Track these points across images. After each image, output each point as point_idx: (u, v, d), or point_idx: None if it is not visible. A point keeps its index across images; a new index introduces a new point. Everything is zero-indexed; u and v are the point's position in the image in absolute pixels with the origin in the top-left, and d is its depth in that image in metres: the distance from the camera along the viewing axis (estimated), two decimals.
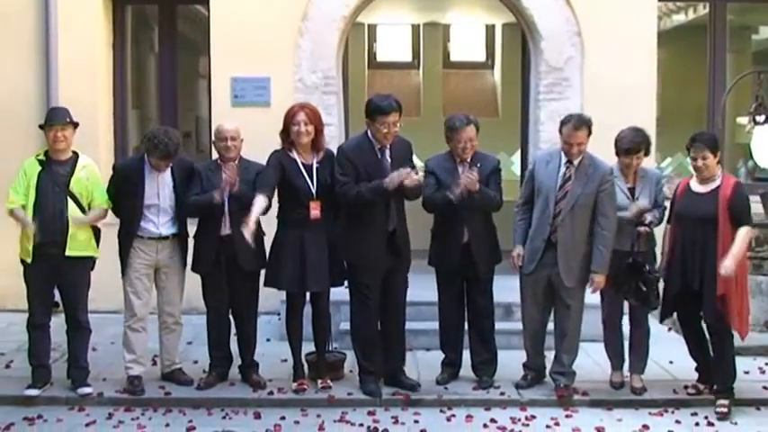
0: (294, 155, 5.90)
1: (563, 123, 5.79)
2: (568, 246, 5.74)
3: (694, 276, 5.67)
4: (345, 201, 5.81)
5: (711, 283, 5.58)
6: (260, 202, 5.67)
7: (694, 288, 5.68)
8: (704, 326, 5.85)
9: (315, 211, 5.85)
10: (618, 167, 5.92)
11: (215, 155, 6.22)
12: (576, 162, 5.74)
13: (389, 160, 5.83)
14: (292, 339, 6.14)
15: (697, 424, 5.65)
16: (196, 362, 6.55)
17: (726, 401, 5.72)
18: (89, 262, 6.04)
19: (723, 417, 5.65)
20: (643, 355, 6.09)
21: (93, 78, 8.19)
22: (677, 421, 5.66)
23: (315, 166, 5.90)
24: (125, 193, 6.01)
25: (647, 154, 5.97)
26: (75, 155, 6.01)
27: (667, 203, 5.98)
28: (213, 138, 6.17)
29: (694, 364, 6.01)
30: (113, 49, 8.49)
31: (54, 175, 5.88)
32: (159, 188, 6.00)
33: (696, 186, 5.78)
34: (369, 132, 5.88)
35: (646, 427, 5.55)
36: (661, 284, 5.88)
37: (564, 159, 5.79)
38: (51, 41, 8.02)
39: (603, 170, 5.74)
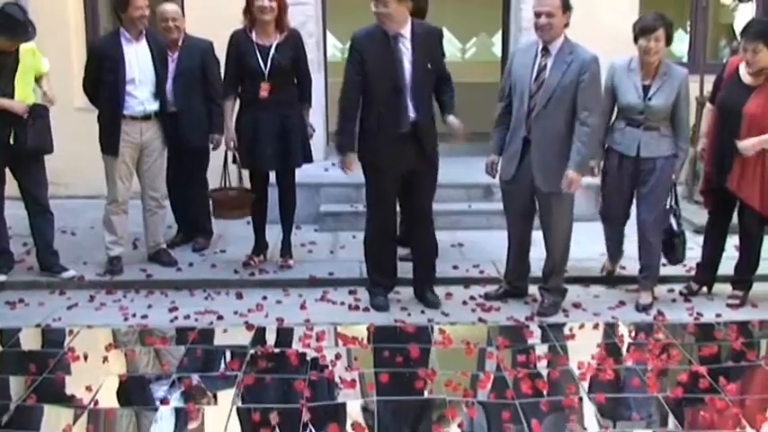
0: (252, 35, 5.80)
1: None
2: (543, 144, 5.18)
3: (727, 172, 5.34)
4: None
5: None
6: (229, 109, 5.93)
7: (725, 186, 5.39)
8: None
9: (264, 92, 5.80)
10: (638, 61, 5.39)
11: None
12: (553, 50, 5.14)
13: (408, 49, 5.23)
14: (253, 217, 6.24)
15: (674, 300, 5.76)
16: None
17: (740, 293, 5.64)
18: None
19: (735, 307, 5.57)
20: (652, 267, 5.67)
21: None
22: (654, 297, 5.71)
23: (273, 47, 5.79)
24: (105, 71, 5.84)
25: (668, 43, 5.39)
26: None
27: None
28: (157, 19, 6.30)
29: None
30: None
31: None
32: (138, 62, 5.89)
33: (745, 75, 5.28)
34: None
35: (622, 302, 5.66)
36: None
37: (540, 47, 5.18)
38: None
39: (584, 57, 5.08)
